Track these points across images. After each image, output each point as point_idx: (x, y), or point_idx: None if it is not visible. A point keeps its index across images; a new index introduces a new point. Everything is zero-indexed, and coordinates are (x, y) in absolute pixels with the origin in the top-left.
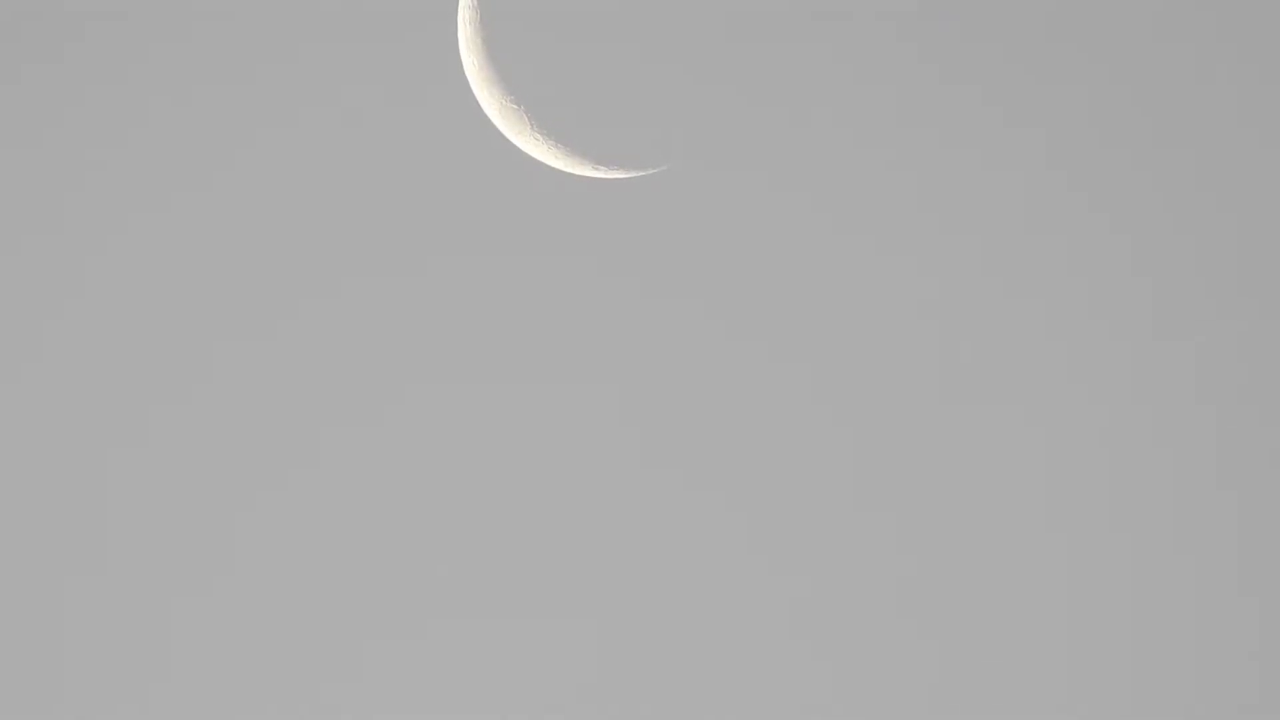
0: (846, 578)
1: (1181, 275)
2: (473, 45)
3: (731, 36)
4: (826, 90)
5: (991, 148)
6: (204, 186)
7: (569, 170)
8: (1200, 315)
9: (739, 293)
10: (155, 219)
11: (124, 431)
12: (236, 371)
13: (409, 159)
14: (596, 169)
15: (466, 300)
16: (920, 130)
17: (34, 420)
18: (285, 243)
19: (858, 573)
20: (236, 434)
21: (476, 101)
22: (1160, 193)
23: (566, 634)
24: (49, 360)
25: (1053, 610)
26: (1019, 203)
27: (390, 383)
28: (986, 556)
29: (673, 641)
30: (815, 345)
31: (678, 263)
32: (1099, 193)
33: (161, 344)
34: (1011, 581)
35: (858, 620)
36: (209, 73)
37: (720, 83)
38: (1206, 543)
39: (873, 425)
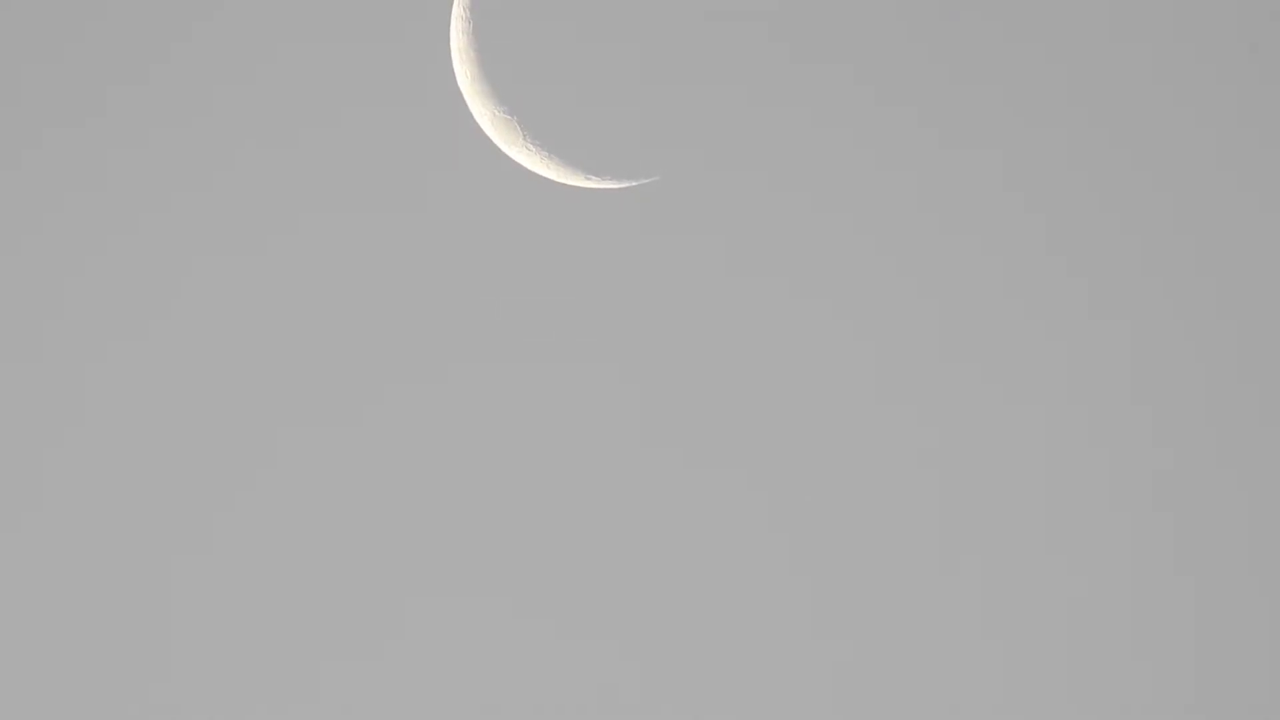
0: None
1: (1116, 281)
2: (465, 56)
3: (724, 47)
4: (820, 100)
5: (986, 167)
6: (196, 192)
7: (561, 180)
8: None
9: (733, 301)
10: (145, 230)
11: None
12: (220, 370)
13: (401, 170)
14: (589, 179)
15: (458, 310)
16: (915, 140)
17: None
18: (275, 247)
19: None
20: (211, 427)
21: (469, 112)
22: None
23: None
24: (48, 359)
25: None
26: (1008, 221)
27: (381, 387)
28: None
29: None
30: (810, 352)
31: (671, 272)
32: (1075, 236)
33: (148, 338)
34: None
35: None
36: (201, 86)
37: (712, 93)
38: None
39: (867, 429)
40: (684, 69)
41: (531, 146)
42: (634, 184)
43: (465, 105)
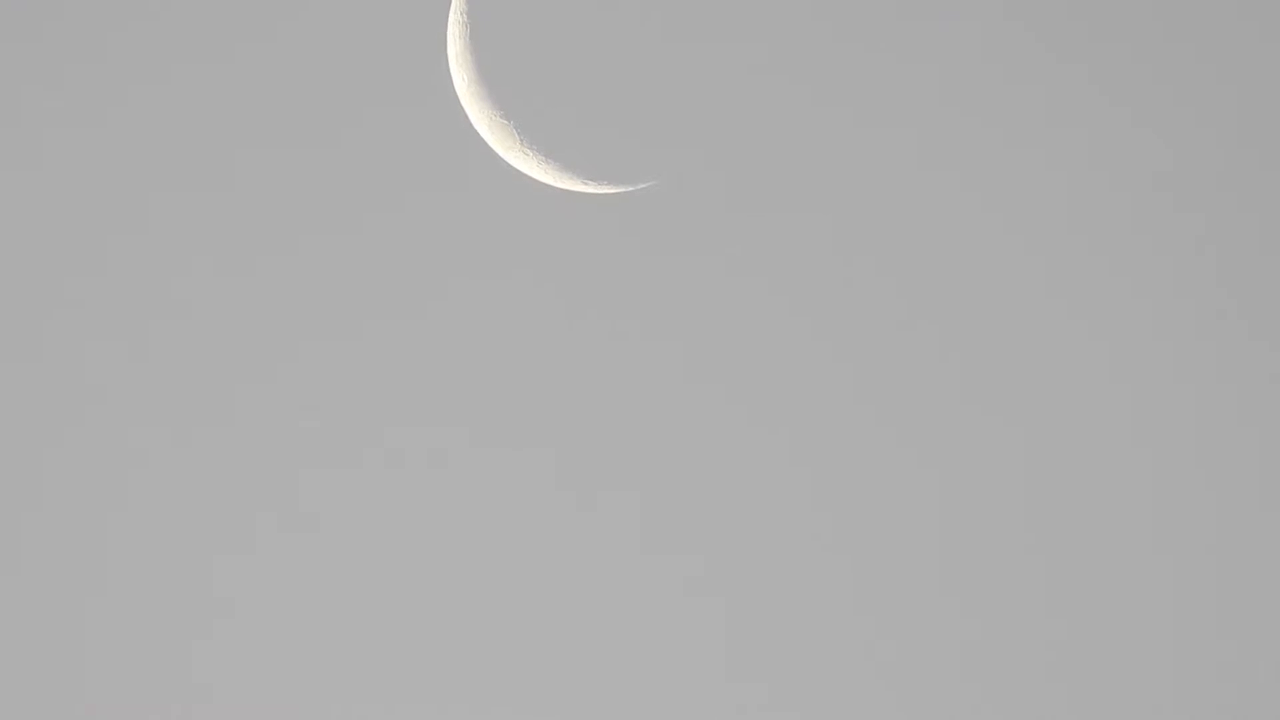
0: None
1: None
2: (463, 61)
3: (722, 52)
4: (819, 105)
5: (987, 171)
6: (189, 195)
7: (558, 185)
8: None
9: (730, 307)
10: (139, 233)
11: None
12: (212, 372)
13: (398, 174)
14: (586, 184)
15: (455, 315)
16: (915, 144)
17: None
18: (268, 250)
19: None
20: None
21: (466, 117)
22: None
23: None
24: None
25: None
26: (1009, 214)
27: (375, 389)
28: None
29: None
30: (807, 358)
31: (667, 277)
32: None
33: (142, 341)
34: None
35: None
36: (193, 87)
37: (710, 98)
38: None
39: (867, 436)
40: (682, 74)
41: (528, 151)
42: (631, 189)
43: (462, 110)
